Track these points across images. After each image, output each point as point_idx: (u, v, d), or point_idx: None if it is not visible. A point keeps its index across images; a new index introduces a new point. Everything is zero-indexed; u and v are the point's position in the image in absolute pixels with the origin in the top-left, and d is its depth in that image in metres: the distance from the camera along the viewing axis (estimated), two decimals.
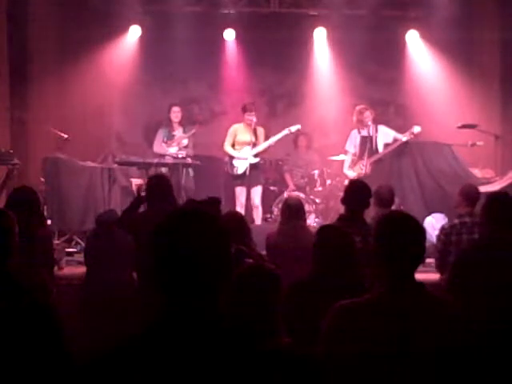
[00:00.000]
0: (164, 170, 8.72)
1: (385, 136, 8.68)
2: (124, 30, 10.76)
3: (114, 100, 11.05)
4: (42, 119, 10.05)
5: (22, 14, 9.81)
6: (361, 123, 8.65)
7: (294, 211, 5.68)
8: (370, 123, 8.62)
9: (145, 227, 4.86)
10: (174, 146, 9.07)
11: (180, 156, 8.95)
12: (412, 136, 8.40)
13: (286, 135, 9.05)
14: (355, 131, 8.81)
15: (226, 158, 9.10)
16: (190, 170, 9.05)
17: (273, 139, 8.93)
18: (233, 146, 9.03)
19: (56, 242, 7.77)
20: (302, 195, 8.94)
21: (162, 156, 9.07)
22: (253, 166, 8.85)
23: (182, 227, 1.61)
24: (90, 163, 9.11)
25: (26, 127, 10.17)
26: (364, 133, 8.68)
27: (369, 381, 2.35)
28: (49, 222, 7.83)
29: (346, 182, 8.87)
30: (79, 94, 10.33)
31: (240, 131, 8.99)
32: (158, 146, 9.21)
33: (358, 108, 8.83)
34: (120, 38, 10.80)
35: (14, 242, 2.64)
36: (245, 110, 8.91)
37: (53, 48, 10.51)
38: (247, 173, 8.82)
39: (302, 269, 4.49)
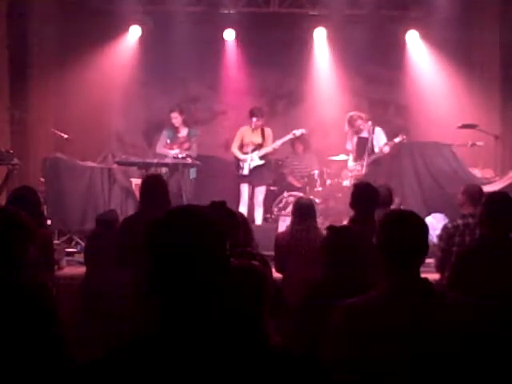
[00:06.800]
0: (164, 170, 8.72)
1: (379, 139, 8.79)
2: (124, 30, 10.76)
3: (114, 100, 11.04)
4: (42, 119, 10.05)
5: (22, 14, 9.80)
6: (353, 130, 8.81)
7: (305, 211, 5.68)
8: (366, 125, 8.72)
9: (138, 230, 4.87)
10: (175, 149, 9.05)
11: (180, 157, 8.91)
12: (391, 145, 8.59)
13: (291, 138, 9.19)
14: (351, 132, 8.95)
15: (233, 159, 9.21)
16: (193, 171, 9.04)
17: (278, 142, 9.09)
18: (241, 147, 9.09)
19: (56, 241, 7.77)
20: (301, 195, 8.94)
21: (163, 157, 9.06)
22: (258, 166, 9.03)
23: (175, 226, 1.60)
24: (89, 163, 9.11)
25: (26, 127, 10.16)
26: (361, 134, 8.79)
27: (375, 378, 2.36)
28: (49, 222, 7.83)
29: (345, 183, 8.99)
30: (79, 94, 10.32)
31: (247, 133, 9.07)
32: (160, 148, 9.17)
33: (347, 116, 8.93)
34: (120, 38, 10.80)
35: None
36: (252, 115, 8.97)
37: (53, 48, 10.51)
38: (252, 172, 8.98)
39: (313, 269, 4.47)
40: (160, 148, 9.16)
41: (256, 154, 9.01)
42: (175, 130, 9.15)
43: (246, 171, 9.01)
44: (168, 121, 9.24)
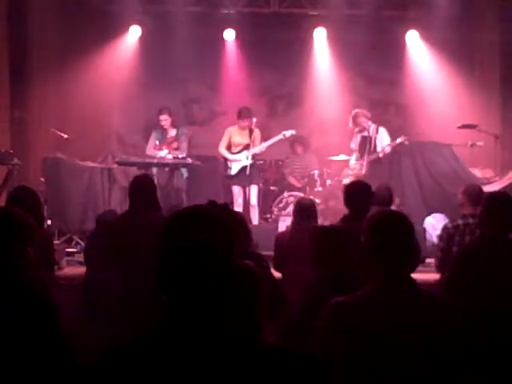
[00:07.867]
0: (154, 170, 8.76)
1: (382, 139, 8.79)
2: (124, 30, 10.76)
3: (114, 100, 11.04)
4: (42, 119, 10.05)
5: (22, 14, 9.80)
6: (357, 127, 8.82)
7: (306, 212, 5.67)
8: (369, 123, 8.74)
9: (128, 230, 4.89)
10: (164, 149, 9.07)
11: (181, 157, 8.91)
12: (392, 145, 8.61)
13: (281, 140, 9.16)
14: (357, 130, 8.96)
15: (222, 159, 9.24)
16: (184, 171, 9.04)
17: (266, 143, 9.09)
18: (229, 147, 9.09)
19: (56, 242, 7.77)
20: (301, 195, 8.94)
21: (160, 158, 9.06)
22: (247, 167, 8.99)
23: (186, 226, 1.60)
24: (89, 163, 9.11)
25: (26, 127, 10.16)
26: (364, 133, 8.80)
27: (364, 376, 2.37)
28: (49, 222, 7.83)
29: (345, 182, 9.00)
30: (79, 94, 10.32)
31: (235, 133, 9.08)
32: (150, 149, 9.20)
33: (352, 113, 8.96)
34: (120, 38, 10.80)
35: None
36: (239, 115, 8.99)
37: (53, 48, 10.50)
38: (247, 172, 8.97)
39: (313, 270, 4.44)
40: (149, 150, 9.21)
41: (244, 154, 9.01)
42: (164, 131, 9.20)
43: (234, 171, 9.03)
44: (158, 122, 9.27)
